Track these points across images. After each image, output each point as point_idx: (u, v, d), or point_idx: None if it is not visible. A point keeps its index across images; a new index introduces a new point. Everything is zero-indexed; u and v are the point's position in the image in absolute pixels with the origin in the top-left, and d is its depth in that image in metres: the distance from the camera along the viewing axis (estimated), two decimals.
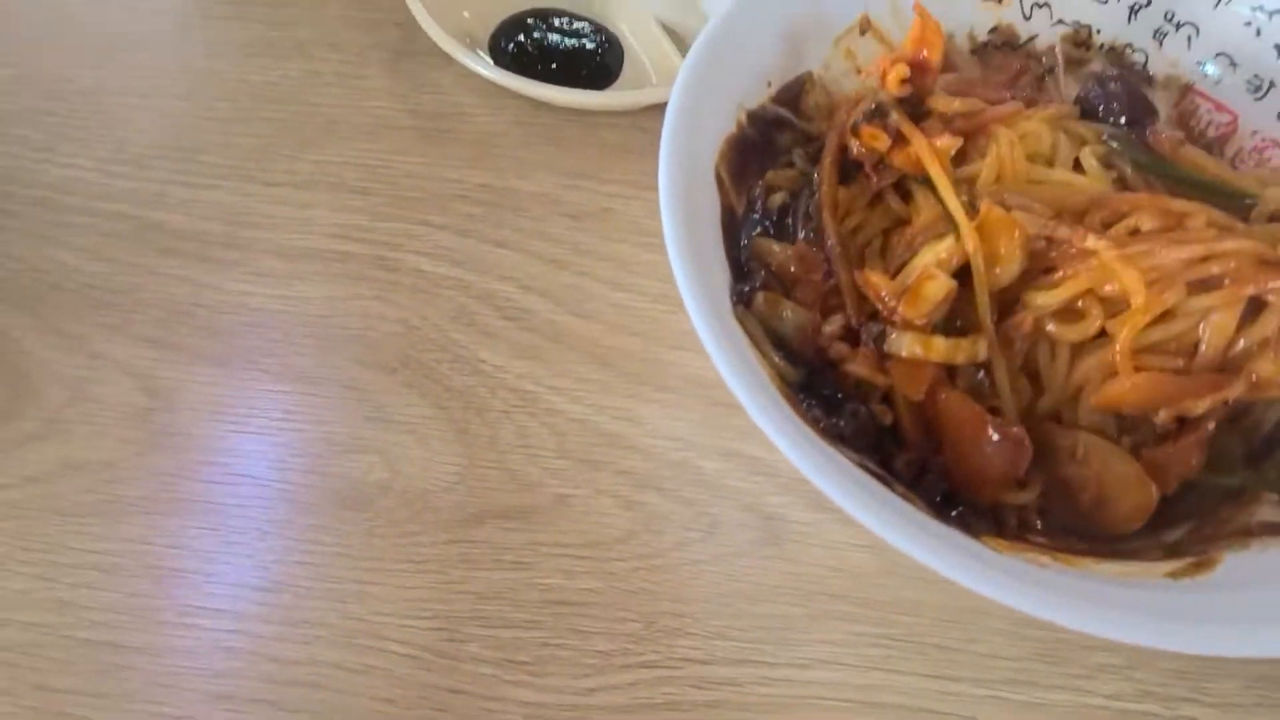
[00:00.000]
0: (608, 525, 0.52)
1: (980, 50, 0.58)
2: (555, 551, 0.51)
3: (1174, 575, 0.41)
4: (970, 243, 0.45)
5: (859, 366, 0.46)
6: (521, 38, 0.69)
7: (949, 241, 0.46)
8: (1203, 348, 0.44)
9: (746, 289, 0.48)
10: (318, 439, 0.54)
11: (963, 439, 0.44)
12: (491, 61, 0.68)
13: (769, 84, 0.55)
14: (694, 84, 0.50)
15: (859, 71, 0.57)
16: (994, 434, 0.43)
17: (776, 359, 0.46)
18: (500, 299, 0.59)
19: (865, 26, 0.56)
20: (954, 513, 0.44)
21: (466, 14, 0.69)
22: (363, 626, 0.48)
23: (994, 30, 0.57)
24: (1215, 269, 0.43)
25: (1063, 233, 0.44)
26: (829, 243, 0.49)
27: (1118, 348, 0.43)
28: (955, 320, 0.47)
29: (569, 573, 0.50)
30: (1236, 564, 0.42)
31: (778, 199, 0.53)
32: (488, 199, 0.63)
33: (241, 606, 0.49)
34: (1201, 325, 0.44)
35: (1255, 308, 0.44)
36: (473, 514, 0.52)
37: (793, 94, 0.56)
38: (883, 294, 0.46)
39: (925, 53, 0.52)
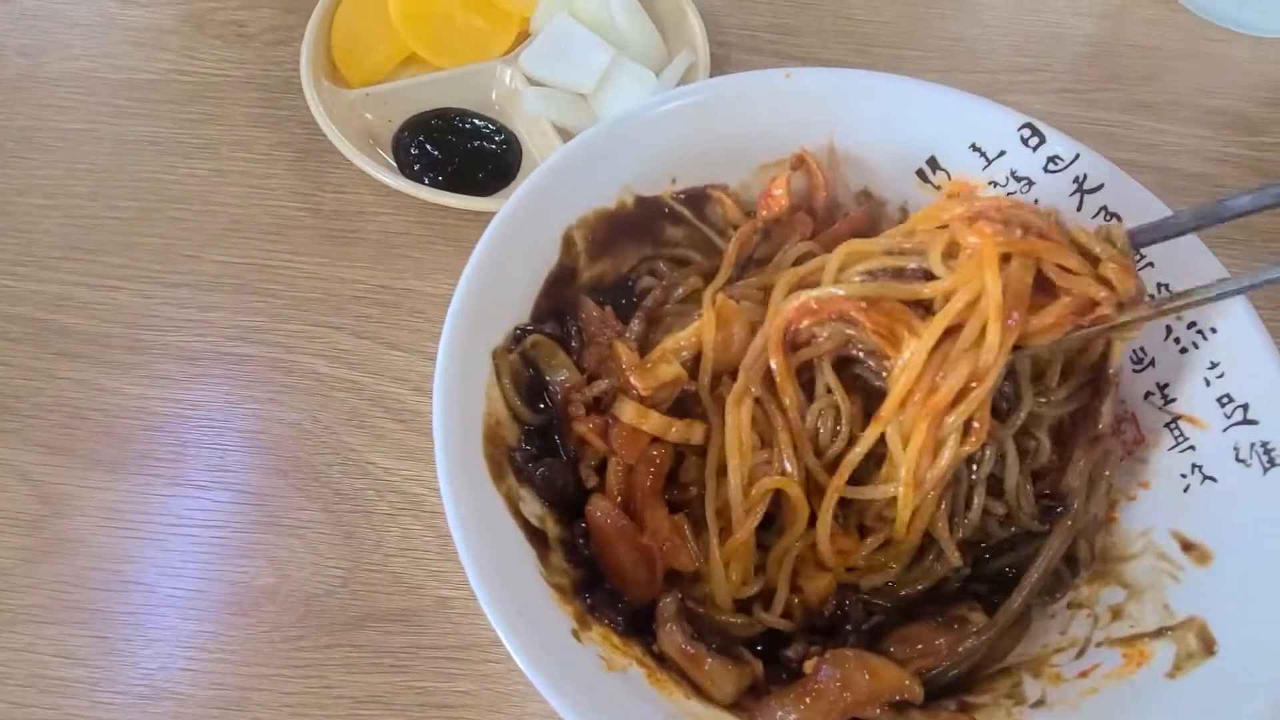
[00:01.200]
0: (485, 626, 0.53)
1: None
2: (434, 654, 0.53)
3: None
4: (707, 327, 0.50)
5: (583, 425, 0.49)
6: (423, 138, 0.71)
7: (695, 325, 0.50)
8: None
9: (528, 330, 0.52)
10: (208, 544, 0.56)
11: (624, 535, 0.47)
12: (394, 161, 0.71)
13: (673, 180, 0.58)
14: (575, 156, 0.54)
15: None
16: (634, 544, 0.47)
17: (518, 401, 0.50)
18: (393, 401, 0.62)
19: (798, 164, 0.59)
20: (588, 595, 0.47)
21: (368, 115, 0.72)
22: None
23: None
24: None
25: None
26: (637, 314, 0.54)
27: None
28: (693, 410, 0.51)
29: (446, 675, 0.53)
30: None
31: (645, 282, 0.57)
32: (386, 300, 0.66)
33: (125, 715, 0.51)
34: None
35: None
36: (355, 617, 0.54)
37: (698, 198, 0.59)
38: (623, 364, 0.50)
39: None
